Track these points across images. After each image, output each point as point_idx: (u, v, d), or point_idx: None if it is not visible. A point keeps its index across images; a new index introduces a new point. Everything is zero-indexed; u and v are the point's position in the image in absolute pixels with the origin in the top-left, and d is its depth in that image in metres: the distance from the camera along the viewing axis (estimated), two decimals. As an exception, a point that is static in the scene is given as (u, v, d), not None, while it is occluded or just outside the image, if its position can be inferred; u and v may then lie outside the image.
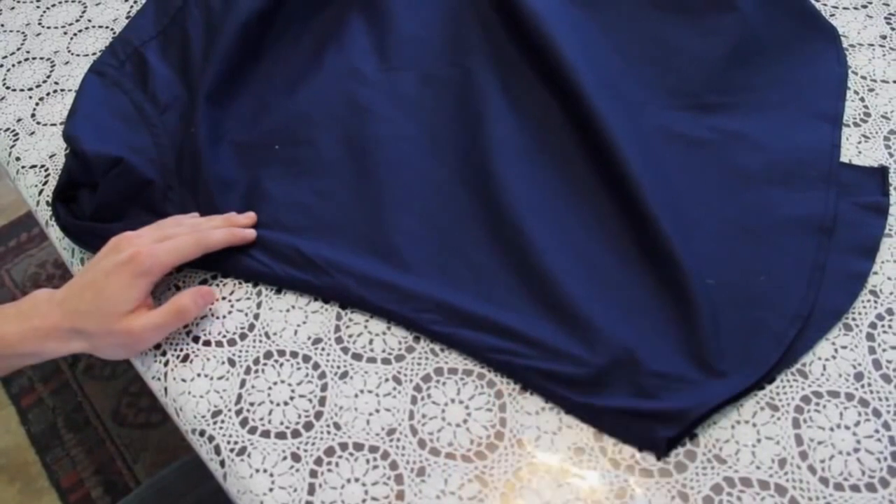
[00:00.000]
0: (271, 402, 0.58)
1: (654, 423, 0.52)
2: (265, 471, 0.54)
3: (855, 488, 0.50)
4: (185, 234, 0.62)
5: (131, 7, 0.90)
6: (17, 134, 0.79)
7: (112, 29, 0.88)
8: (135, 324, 0.58)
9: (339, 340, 0.60)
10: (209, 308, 0.63)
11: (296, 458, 0.55)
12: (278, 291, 0.63)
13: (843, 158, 0.67)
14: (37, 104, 0.81)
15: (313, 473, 0.54)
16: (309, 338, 0.61)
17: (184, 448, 1.36)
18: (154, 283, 0.60)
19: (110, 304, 0.58)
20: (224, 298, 0.64)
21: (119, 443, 1.42)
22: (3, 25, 0.91)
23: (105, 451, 1.42)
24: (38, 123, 0.79)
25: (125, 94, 0.75)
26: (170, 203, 0.68)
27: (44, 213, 0.72)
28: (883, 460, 0.51)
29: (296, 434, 0.56)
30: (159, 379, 0.61)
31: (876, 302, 0.58)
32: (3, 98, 0.82)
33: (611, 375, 0.54)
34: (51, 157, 0.76)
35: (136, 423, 1.45)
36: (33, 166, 0.76)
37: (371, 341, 0.60)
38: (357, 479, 0.54)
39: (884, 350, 0.56)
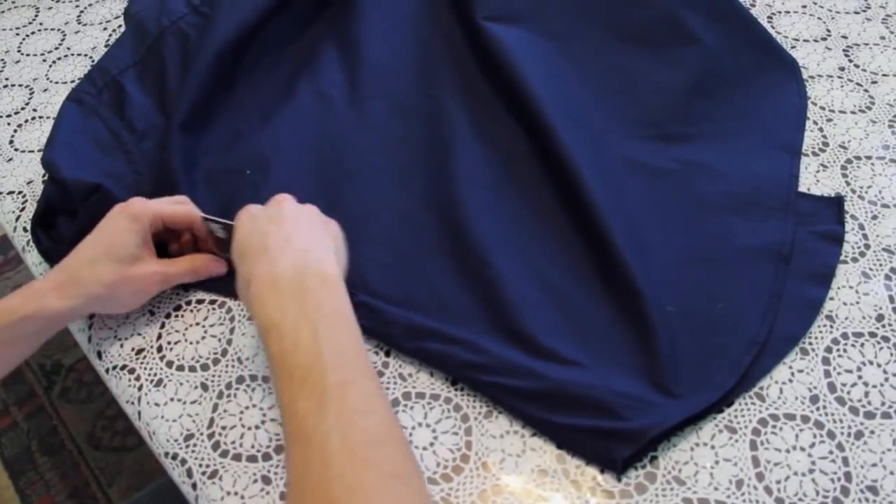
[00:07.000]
0: (243, 425, 0.59)
1: (611, 441, 0.53)
2: (236, 493, 0.55)
3: (809, 508, 0.52)
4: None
5: (110, 36, 0.92)
6: (-6, 160, 0.79)
7: (91, 57, 0.89)
8: (142, 270, 0.62)
9: (310, 365, 0.61)
10: (183, 333, 0.64)
11: (266, 480, 0.56)
12: (251, 317, 0.64)
13: (802, 187, 0.69)
14: (15, 131, 0.82)
15: (283, 496, 0.55)
16: (281, 362, 0.62)
17: (158, 471, 1.36)
18: (147, 230, 0.62)
19: (116, 248, 0.61)
20: (198, 324, 0.65)
21: (94, 466, 1.42)
22: (-18, 52, 0.92)
23: (80, 475, 1.41)
24: (16, 150, 0.80)
25: (103, 122, 0.76)
26: (146, 229, 0.69)
27: (21, 239, 0.73)
28: (836, 480, 0.53)
29: (266, 457, 0.57)
30: (133, 403, 0.61)
31: (832, 327, 0.60)
32: (-19, 125, 0.83)
33: (572, 395, 0.55)
34: (28, 183, 0.77)
35: (111, 447, 1.44)
36: (10, 192, 0.76)
37: (342, 366, 0.61)
38: (326, 502, 0.54)
39: (839, 374, 0.58)
